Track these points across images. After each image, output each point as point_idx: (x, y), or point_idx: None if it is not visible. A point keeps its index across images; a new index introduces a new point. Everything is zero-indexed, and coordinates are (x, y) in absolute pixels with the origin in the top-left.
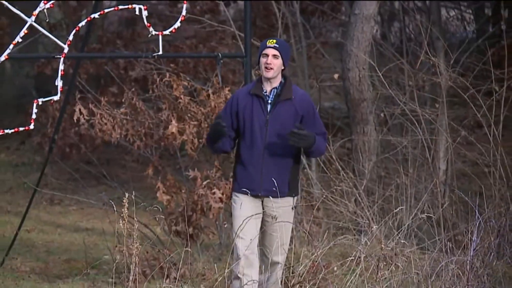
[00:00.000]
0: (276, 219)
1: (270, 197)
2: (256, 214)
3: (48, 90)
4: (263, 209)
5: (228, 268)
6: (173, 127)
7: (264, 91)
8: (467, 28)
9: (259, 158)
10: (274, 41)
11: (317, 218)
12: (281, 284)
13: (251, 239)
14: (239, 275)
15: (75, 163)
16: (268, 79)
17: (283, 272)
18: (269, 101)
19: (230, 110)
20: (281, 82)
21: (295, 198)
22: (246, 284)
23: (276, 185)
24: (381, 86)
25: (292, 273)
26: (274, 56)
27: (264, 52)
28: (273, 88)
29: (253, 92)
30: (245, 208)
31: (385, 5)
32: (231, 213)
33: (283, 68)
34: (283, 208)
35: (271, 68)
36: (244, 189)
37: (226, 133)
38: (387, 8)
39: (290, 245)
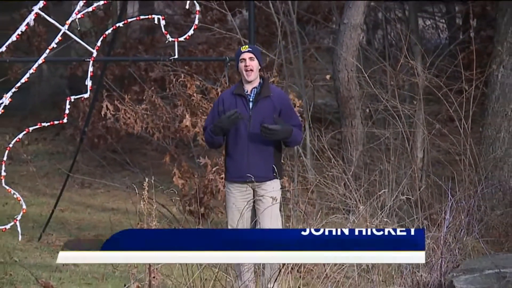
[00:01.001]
0: (276, 200)
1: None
2: (248, 202)
3: (79, 89)
4: (254, 196)
5: None
6: (187, 120)
7: (246, 91)
8: (441, 35)
9: (244, 149)
10: (247, 46)
11: (311, 199)
12: None
13: (241, 227)
14: None
15: (103, 152)
16: (249, 81)
17: None
18: (251, 99)
19: (217, 110)
20: (260, 82)
21: (281, 180)
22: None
23: (263, 170)
24: (367, 85)
25: None
26: (250, 58)
27: (241, 58)
28: (253, 88)
29: (236, 92)
30: (237, 199)
31: (370, 15)
32: None
33: (259, 68)
34: (273, 191)
35: (251, 70)
36: (235, 176)
37: (242, 117)
38: (372, 18)
39: (288, 222)
